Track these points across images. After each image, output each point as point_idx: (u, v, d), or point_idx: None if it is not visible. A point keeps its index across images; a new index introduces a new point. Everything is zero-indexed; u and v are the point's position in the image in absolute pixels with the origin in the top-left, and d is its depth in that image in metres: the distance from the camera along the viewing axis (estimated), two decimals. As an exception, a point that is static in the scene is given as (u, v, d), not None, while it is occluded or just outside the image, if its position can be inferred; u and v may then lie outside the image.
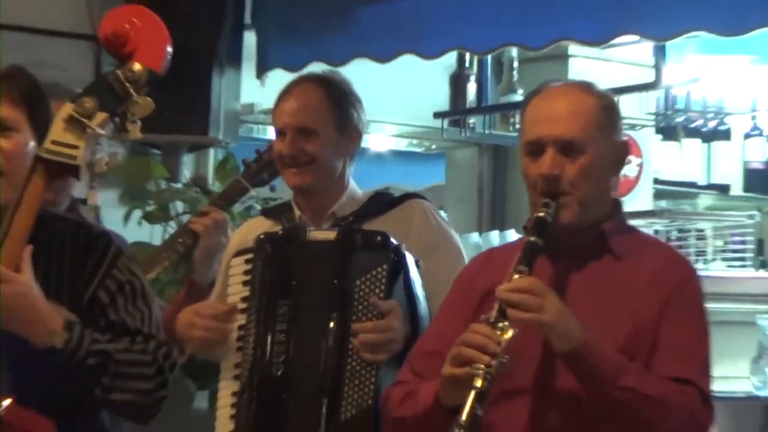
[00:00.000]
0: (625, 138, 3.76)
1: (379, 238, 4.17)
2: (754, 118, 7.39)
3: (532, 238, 3.36)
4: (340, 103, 4.30)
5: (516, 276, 3.29)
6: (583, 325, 3.32)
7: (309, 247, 4.27)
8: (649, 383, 3.29)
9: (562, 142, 3.41)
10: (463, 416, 3.07)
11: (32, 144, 3.34)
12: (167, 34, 3.29)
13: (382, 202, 4.51)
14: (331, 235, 4.17)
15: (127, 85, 3.20)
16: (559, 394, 3.38)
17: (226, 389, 4.38)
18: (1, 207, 3.27)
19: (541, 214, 3.38)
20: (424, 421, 3.44)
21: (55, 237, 3.33)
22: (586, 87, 3.68)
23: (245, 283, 4.33)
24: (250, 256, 4.33)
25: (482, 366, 3.13)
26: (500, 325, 3.20)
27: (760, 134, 7.45)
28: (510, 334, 3.18)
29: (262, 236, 4.34)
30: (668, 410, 3.34)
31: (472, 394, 3.08)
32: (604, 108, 3.56)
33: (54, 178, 3.24)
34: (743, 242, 7.23)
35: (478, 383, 3.11)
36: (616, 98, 6.58)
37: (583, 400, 3.36)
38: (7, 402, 3.03)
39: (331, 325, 3.99)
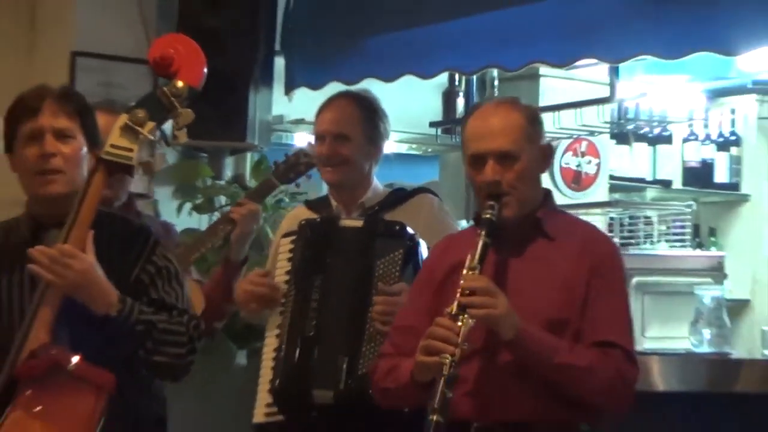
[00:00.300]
0: (548, 141, 4.16)
1: (398, 227, 4.53)
2: (690, 125, 7.68)
3: (484, 239, 3.63)
4: (369, 116, 4.66)
5: (471, 273, 3.56)
6: (525, 299, 3.66)
7: (341, 232, 4.60)
8: (577, 356, 3.59)
9: (499, 153, 3.71)
10: (437, 401, 3.38)
11: (84, 149, 3.69)
12: (204, 57, 3.65)
13: (399, 195, 4.85)
14: (358, 223, 4.59)
15: (172, 99, 3.57)
16: (504, 358, 3.64)
17: (269, 346, 4.75)
18: (59, 197, 3.64)
19: (488, 216, 3.64)
20: (404, 392, 3.77)
21: (105, 230, 3.63)
22: (513, 104, 3.99)
23: (289, 260, 4.70)
24: (294, 237, 4.67)
25: (448, 356, 3.43)
26: (460, 317, 3.49)
27: (696, 139, 7.76)
28: (468, 325, 3.48)
29: (303, 222, 4.71)
30: (595, 375, 3.58)
31: (442, 380, 3.38)
32: (529, 120, 3.85)
33: (112, 175, 3.63)
34: (682, 227, 7.31)
35: (446, 370, 3.41)
36: (578, 110, 6.89)
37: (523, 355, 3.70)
38: (75, 358, 3.34)
39: (355, 297, 4.38)
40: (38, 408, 3.39)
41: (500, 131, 3.72)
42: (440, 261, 3.95)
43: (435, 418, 3.32)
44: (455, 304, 3.46)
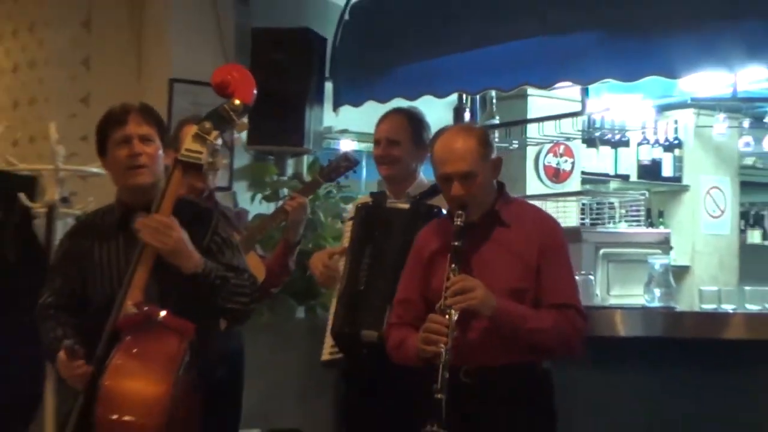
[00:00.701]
0: (497, 155, 4.32)
1: (435, 209, 4.78)
2: (643, 133, 8.09)
3: (457, 243, 3.93)
4: (415, 126, 4.96)
5: (452, 273, 3.86)
6: (492, 274, 3.99)
7: (389, 212, 4.88)
8: (541, 319, 3.97)
9: (461, 174, 4.01)
10: (439, 382, 3.71)
11: (160, 150, 4.05)
12: (254, 80, 4.01)
13: (437, 188, 4.60)
14: (405, 205, 4.87)
15: (231, 113, 3.93)
16: (483, 322, 3.97)
17: (333, 304, 5.11)
18: (145, 186, 3.99)
19: (458, 223, 3.95)
20: (411, 362, 4.08)
21: (180, 212, 3.92)
22: (468, 130, 4.33)
23: (350, 236, 5.10)
24: (353, 218, 5.10)
25: (442, 345, 3.76)
26: (447, 312, 3.80)
27: (647, 143, 8.18)
28: (456, 316, 3.80)
29: (359, 205, 5.11)
30: (557, 332, 3.96)
31: (441, 365, 3.72)
32: (482, 143, 4.11)
33: (187, 172, 3.94)
34: (638, 210, 7.39)
35: (443, 357, 3.76)
36: (557, 121, 7.28)
37: (497, 325, 4.07)
38: (163, 312, 3.74)
39: (397, 261, 4.51)
40: (135, 350, 3.75)
41: (461, 156, 4.03)
42: (426, 244, 4.24)
43: (439, 396, 3.68)
44: (442, 301, 3.81)
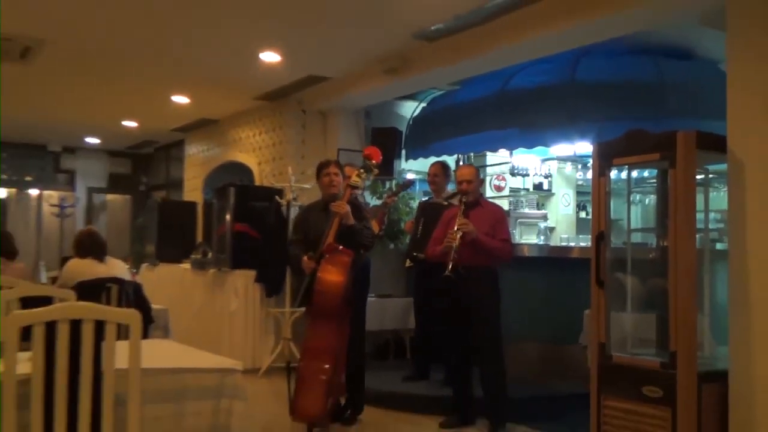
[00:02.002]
0: (481, 177, 5.18)
1: (446, 203, 5.51)
2: (535, 170, 8.53)
3: (463, 208, 4.73)
4: (479, 171, 5.27)
5: (461, 218, 4.61)
6: (477, 225, 4.64)
7: (434, 205, 5.76)
8: (495, 245, 4.71)
9: (467, 181, 4.79)
10: (450, 265, 4.56)
11: (342, 180, 4.82)
12: (380, 153, 5.10)
13: (453, 193, 5.51)
14: (441, 201, 5.78)
15: (371, 166, 4.99)
16: (468, 238, 4.60)
17: (408, 244, 6.15)
18: (335, 195, 4.75)
19: (464, 200, 4.75)
20: (436, 258, 4.77)
21: (348, 202, 4.46)
22: (470, 166, 5.33)
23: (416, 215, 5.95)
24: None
25: (452, 243, 4.56)
26: (456, 231, 4.57)
27: (537, 174, 8.55)
28: (459, 233, 4.57)
29: (421, 202, 6.31)
30: (501, 250, 4.73)
31: (452, 252, 4.54)
32: (475, 171, 4.96)
33: (352, 191, 4.78)
34: (533, 203, 8.64)
35: (454, 248, 4.54)
36: (500, 166, 7.90)
37: (475, 244, 4.66)
38: (341, 246, 4.49)
39: (434, 226, 5.09)
40: (330, 261, 4.48)
41: (471, 173, 4.90)
42: (448, 214, 4.91)
43: (447, 273, 4.55)
44: (455, 228, 4.62)
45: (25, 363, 2.16)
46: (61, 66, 7.12)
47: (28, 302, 3.02)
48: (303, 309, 6.29)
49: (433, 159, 6.65)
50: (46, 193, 12.81)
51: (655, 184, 4.60)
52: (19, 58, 6.74)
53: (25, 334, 2.14)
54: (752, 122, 3.88)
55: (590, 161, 7.20)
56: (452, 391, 5.09)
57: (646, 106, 5.84)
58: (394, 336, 7.40)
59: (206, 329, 7.62)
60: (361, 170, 4.87)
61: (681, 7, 4.44)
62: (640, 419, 4.08)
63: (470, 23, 5.41)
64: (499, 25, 5.33)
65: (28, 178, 12.73)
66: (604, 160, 4.50)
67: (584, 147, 7.40)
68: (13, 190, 12.88)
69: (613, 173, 4.52)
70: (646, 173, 4.80)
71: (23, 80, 7.63)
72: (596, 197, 4.54)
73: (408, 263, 6.27)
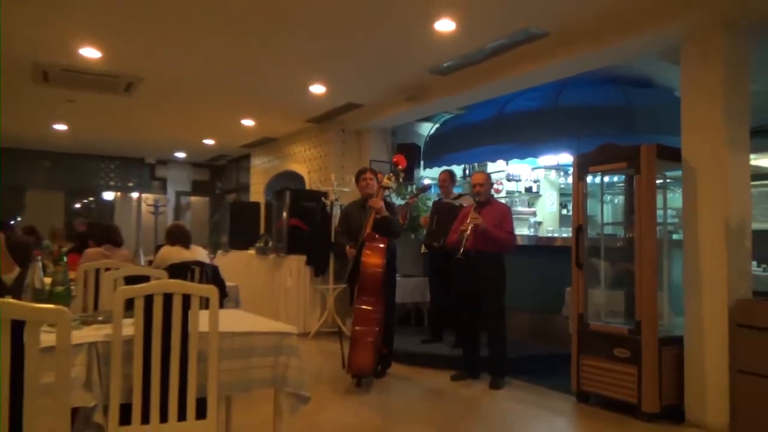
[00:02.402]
0: (493, 182, 5.14)
1: (459, 202, 5.47)
2: (527, 178, 8.32)
3: (475, 206, 4.68)
4: (489, 176, 5.09)
5: (474, 213, 4.58)
6: (486, 219, 4.59)
7: (444, 204, 5.71)
8: (503, 234, 4.62)
9: (480, 184, 4.75)
10: (461, 250, 4.51)
11: (376, 182, 4.76)
12: (405, 160, 5.00)
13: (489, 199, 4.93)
14: (455, 202, 5.66)
15: (399, 171, 4.92)
16: (478, 230, 4.54)
17: (425, 234, 5.86)
18: (371, 194, 4.69)
19: (477, 200, 4.71)
20: (452, 245, 4.67)
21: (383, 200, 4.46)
22: (482, 172, 5.18)
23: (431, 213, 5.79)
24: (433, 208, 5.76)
25: (465, 233, 4.52)
26: (469, 224, 4.52)
27: (528, 180, 8.29)
28: (471, 225, 4.53)
29: (435, 200, 5.98)
30: (506, 240, 4.62)
31: (464, 240, 4.50)
32: (488, 177, 4.91)
33: (383, 190, 4.72)
34: (525, 203, 8.30)
35: (465, 237, 4.51)
36: (498, 174, 7.55)
37: (485, 235, 4.58)
38: (377, 235, 4.53)
39: (452, 221, 4.99)
40: (370, 247, 4.51)
41: (482, 177, 4.86)
42: (465, 211, 4.81)
43: (459, 255, 4.50)
44: (468, 220, 4.59)
45: (129, 327, 2.16)
46: (156, 97, 7.20)
47: (130, 280, 3.03)
48: (343, 286, 6.55)
49: (444, 168, 6.51)
50: (144, 195, 12.96)
51: (623, 187, 4.61)
52: (124, 91, 6.83)
53: (129, 304, 2.15)
54: (701, 136, 3.96)
55: (571, 169, 6.99)
56: (462, 351, 5.05)
57: (616, 125, 5.75)
58: (414, 307, 7.31)
59: (267, 301, 7.65)
60: (391, 174, 4.82)
61: (643, 46, 4.39)
62: (612, 375, 4.13)
63: (474, 61, 5.37)
64: (498, 62, 5.30)
65: (131, 184, 12.86)
66: (582, 168, 4.50)
67: (566, 158, 7.27)
68: (119, 193, 13.05)
69: (589, 178, 4.55)
70: (615, 178, 4.77)
71: (127, 109, 7.74)
72: (576, 198, 4.53)
73: (423, 249, 6.31)
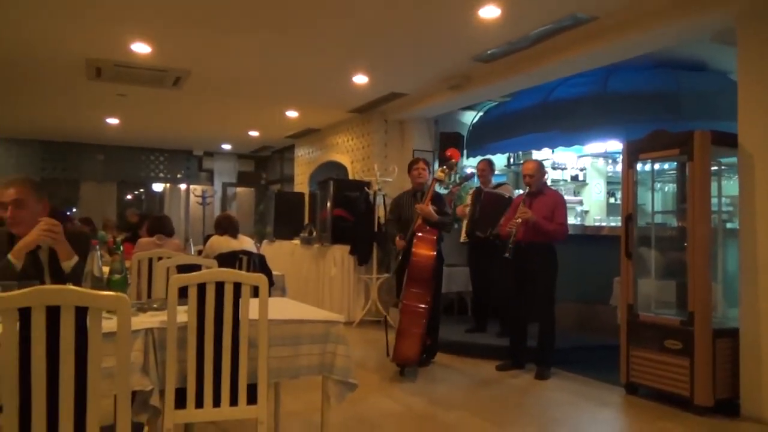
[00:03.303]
0: (545, 170, 4.87)
1: (500, 191, 5.58)
2: (573, 166, 8.22)
3: (525, 197, 4.63)
4: (541, 165, 4.93)
5: (523, 207, 4.52)
6: (537, 211, 4.52)
7: (489, 193, 5.63)
8: (554, 226, 4.53)
9: (529, 175, 4.65)
10: (510, 245, 4.46)
11: (428, 174, 4.81)
12: (459, 154, 5.78)
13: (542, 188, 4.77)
14: (495, 190, 5.70)
15: (452, 164, 4.92)
16: (528, 224, 4.49)
17: (464, 223, 5.92)
18: (422, 184, 4.72)
19: (528, 190, 4.63)
20: (502, 236, 4.65)
21: (434, 196, 4.46)
22: (534, 160, 4.95)
23: (471, 200, 5.74)
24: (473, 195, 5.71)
25: (513, 230, 4.51)
26: (518, 218, 4.48)
27: (575, 168, 8.20)
28: (520, 219, 4.50)
29: (475, 189, 5.83)
30: (557, 232, 4.53)
31: (512, 235, 4.48)
32: (540, 166, 4.75)
33: (437, 183, 4.68)
34: (572, 191, 8.17)
35: (514, 231, 4.49)
36: (543, 161, 6.91)
37: (536, 227, 4.51)
38: (428, 227, 4.47)
39: (496, 209, 5.13)
40: (421, 238, 4.48)
41: (532, 168, 4.72)
42: (517, 201, 4.79)
43: (506, 255, 4.49)
44: (517, 214, 4.54)
45: (183, 314, 2.19)
46: (203, 91, 7.27)
47: (182, 269, 3.08)
48: (387, 275, 6.65)
49: (483, 157, 6.54)
50: (192, 187, 13.20)
51: (675, 175, 4.47)
52: (172, 85, 6.92)
53: (182, 292, 2.17)
54: (759, 121, 3.80)
55: (619, 156, 7.08)
56: (509, 341, 4.98)
57: (666, 111, 5.59)
58: (457, 296, 7.27)
59: (312, 290, 7.71)
60: (445, 167, 4.77)
61: (696, 27, 4.27)
62: (663, 367, 4.04)
63: (519, 48, 5.30)
64: (543, 48, 5.21)
65: (179, 176, 13.11)
66: (632, 155, 4.40)
67: (614, 145, 7.15)
68: (168, 185, 13.42)
69: (639, 166, 4.43)
70: (666, 166, 4.59)
71: (175, 102, 7.86)
72: (625, 186, 4.42)
73: (463, 238, 6.18)
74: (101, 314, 1.59)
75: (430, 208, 4.50)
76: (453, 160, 4.90)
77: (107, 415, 1.74)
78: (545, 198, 4.65)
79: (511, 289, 4.71)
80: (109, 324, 1.62)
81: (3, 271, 2.36)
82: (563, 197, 4.80)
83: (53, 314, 1.52)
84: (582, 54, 4.99)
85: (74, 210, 11.97)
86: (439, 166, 5.04)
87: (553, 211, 4.55)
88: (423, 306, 4.39)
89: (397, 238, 4.61)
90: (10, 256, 2.42)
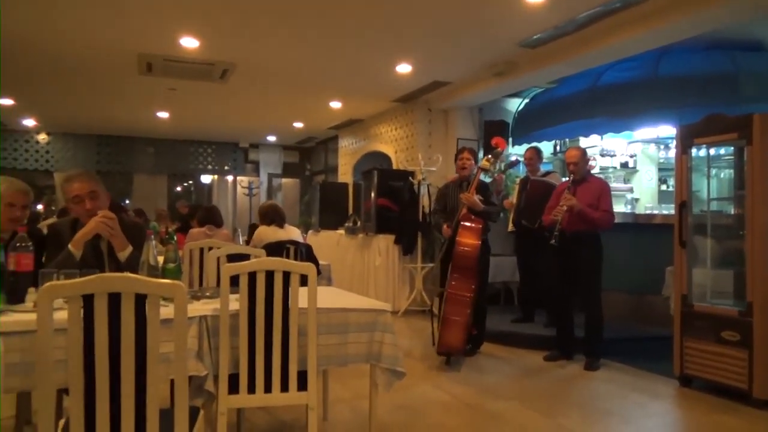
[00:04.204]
0: (588, 156, 4.75)
1: (546, 179, 5.49)
2: (623, 152, 7.98)
3: (570, 185, 4.57)
4: (585, 152, 4.68)
5: (567, 194, 4.45)
6: (582, 198, 4.45)
7: (537, 182, 5.57)
8: (600, 214, 4.45)
9: (572, 162, 4.61)
10: (556, 233, 4.44)
11: (472, 162, 4.69)
12: (505, 142, 4.98)
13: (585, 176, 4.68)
14: (538, 177, 5.63)
15: (498, 153, 4.82)
16: (573, 212, 4.43)
17: (511, 213, 5.90)
18: (467, 175, 4.63)
19: (571, 178, 4.59)
20: (546, 225, 4.62)
21: (480, 185, 4.41)
22: (578, 148, 4.80)
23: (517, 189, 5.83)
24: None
25: (558, 217, 4.45)
26: (562, 206, 4.42)
27: (624, 155, 7.94)
28: (565, 208, 4.42)
29: (523, 177, 5.91)
30: (602, 220, 4.45)
31: (558, 224, 4.42)
32: (583, 153, 4.67)
33: (482, 172, 4.58)
34: (621, 179, 7.96)
35: (559, 220, 4.44)
36: (593, 147, 7.21)
37: (580, 215, 4.44)
38: (473, 216, 4.43)
39: (543, 197, 4.96)
40: (466, 227, 4.47)
41: (576, 155, 4.65)
42: (561, 189, 4.68)
43: (552, 242, 4.46)
44: (561, 202, 4.47)
45: (234, 302, 2.24)
46: (248, 83, 7.32)
47: (232, 258, 3.15)
48: (431, 265, 6.61)
49: (530, 145, 6.42)
50: (239, 178, 13.37)
51: (732, 160, 4.30)
52: (219, 78, 6.99)
53: (233, 281, 2.21)
54: None
55: (671, 142, 7.10)
56: (556, 331, 4.93)
57: (722, 94, 5.40)
58: (503, 286, 7.22)
59: (357, 280, 7.74)
60: (490, 156, 4.72)
61: (755, 4, 4.08)
62: (719, 358, 3.91)
63: (566, 32, 5.19)
64: (591, 32, 5.10)
65: (226, 168, 13.30)
66: (686, 140, 4.26)
67: (666, 131, 6.99)
68: (216, 176, 13.63)
69: (694, 151, 4.28)
70: (722, 151, 4.43)
71: (222, 95, 7.93)
72: (679, 172, 4.29)
73: (511, 228, 6.13)
74: (159, 301, 1.65)
75: (475, 198, 4.49)
76: (499, 149, 4.82)
77: (164, 399, 1.78)
78: (590, 185, 4.59)
79: (556, 279, 4.65)
80: (165, 311, 1.68)
81: (65, 260, 2.49)
82: (608, 184, 4.71)
83: (114, 301, 1.58)
84: (632, 37, 4.85)
85: (127, 202, 12.35)
86: (484, 155, 4.99)
87: (598, 199, 4.48)
88: (467, 295, 4.37)
89: (444, 227, 4.62)
90: (70, 246, 2.55)
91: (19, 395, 2.82)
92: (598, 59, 5.66)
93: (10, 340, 1.80)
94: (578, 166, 4.57)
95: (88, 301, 1.57)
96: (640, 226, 5.91)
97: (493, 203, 4.69)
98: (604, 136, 7.61)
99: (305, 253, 4.49)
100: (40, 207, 11.53)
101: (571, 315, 4.76)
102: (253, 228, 5.54)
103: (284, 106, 8.81)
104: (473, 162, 4.80)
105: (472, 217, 4.45)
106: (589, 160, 4.74)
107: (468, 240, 4.37)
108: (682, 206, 4.16)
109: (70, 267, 2.29)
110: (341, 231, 8.43)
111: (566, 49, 5.53)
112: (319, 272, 4.54)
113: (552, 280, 4.79)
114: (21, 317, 1.93)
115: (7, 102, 8.54)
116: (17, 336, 1.82)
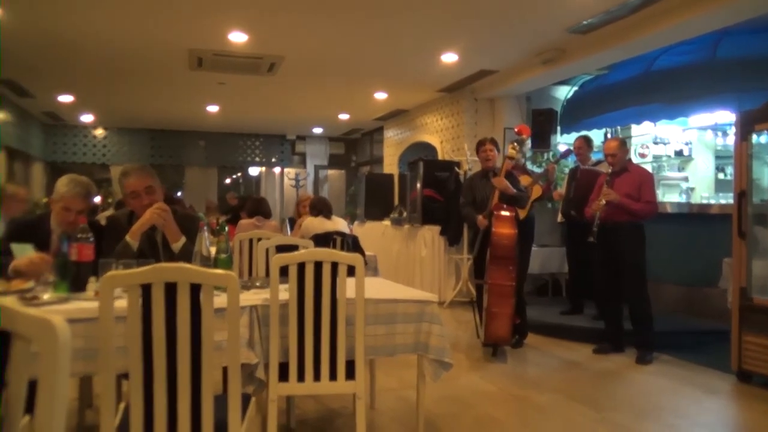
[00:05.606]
0: (628, 147, 4.66)
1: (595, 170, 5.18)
2: (677, 140, 7.63)
3: (608, 179, 4.49)
4: (623, 143, 4.76)
5: (606, 188, 4.41)
6: (621, 189, 4.39)
7: (587, 171, 5.35)
8: (640, 205, 4.40)
9: (610, 154, 4.54)
10: (596, 223, 4.42)
11: (497, 153, 4.62)
12: (529, 129, 5.01)
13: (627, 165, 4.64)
14: (593, 167, 5.39)
15: (523, 140, 4.85)
16: (613, 204, 4.38)
17: (560, 203, 5.79)
18: (491, 165, 4.57)
19: (610, 170, 4.50)
20: (587, 215, 4.53)
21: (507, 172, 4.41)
22: (617, 138, 4.79)
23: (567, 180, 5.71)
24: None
25: (597, 210, 4.44)
26: (601, 199, 4.40)
27: (679, 142, 7.59)
28: (604, 200, 4.41)
29: (572, 168, 5.81)
30: (643, 211, 4.40)
31: (597, 214, 4.43)
32: (621, 144, 4.59)
33: (509, 161, 4.51)
34: (676, 166, 7.67)
35: (598, 211, 4.42)
36: (644, 134, 7.24)
37: (621, 207, 4.39)
38: (505, 206, 4.39)
39: (588, 188, 4.87)
40: (500, 217, 4.43)
41: (614, 147, 4.57)
42: (601, 180, 4.60)
43: (590, 239, 4.45)
44: (601, 195, 4.45)
45: (284, 292, 2.26)
46: (295, 76, 7.41)
47: (280, 249, 3.11)
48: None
49: (579, 134, 6.20)
50: (286, 170, 13.63)
51: (796, 147, 4.08)
52: (267, 71, 7.13)
53: (282, 271, 2.24)
54: None
55: (730, 128, 6.81)
56: (605, 324, 4.84)
57: (786, 77, 5.27)
58: (551, 278, 7.17)
59: (403, 271, 7.76)
60: (515, 143, 4.70)
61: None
62: (781, 354, 3.69)
63: (618, 16, 5.11)
64: (644, 15, 5.01)
65: (274, 160, 13.58)
66: (746, 126, 4.10)
67: (723, 117, 6.65)
68: (264, 168, 13.91)
69: (754, 138, 4.10)
70: (786, 137, 4.27)
71: (270, 88, 8.06)
72: (738, 160, 4.14)
73: (560, 218, 6.05)
74: (213, 290, 1.69)
75: (506, 182, 4.47)
76: (523, 136, 4.84)
77: (217, 385, 1.84)
78: (630, 175, 4.51)
79: (599, 271, 4.61)
80: (218, 300, 1.72)
81: (123, 251, 2.59)
82: (650, 173, 4.62)
83: (171, 290, 1.64)
84: (689, 19, 4.75)
85: (180, 194, 12.72)
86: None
87: (639, 188, 4.41)
88: (510, 284, 4.34)
89: (480, 217, 4.56)
90: (127, 237, 2.65)
91: (81, 379, 2.93)
92: (653, 44, 5.54)
93: (75, 327, 1.84)
94: (617, 158, 4.49)
95: (146, 290, 1.63)
96: (696, 216, 5.76)
97: (520, 189, 4.67)
98: (658, 122, 7.28)
99: (351, 244, 4.50)
100: (98, 199, 12.04)
101: (618, 307, 4.68)
102: (291, 222, 5.61)
103: (330, 97, 8.95)
104: (496, 153, 4.77)
105: (504, 206, 4.45)
106: (628, 149, 4.70)
107: (504, 230, 4.35)
108: (741, 195, 4.03)
109: (127, 257, 2.38)
110: (387, 222, 8.49)
111: (618, 34, 5.45)
112: (365, 263, 4.81)
113: (597, 270, 4.73)
114: (84, 305, 2.01)
115: (68, 98, 8.93)
116: (81, 323, 1.88)
